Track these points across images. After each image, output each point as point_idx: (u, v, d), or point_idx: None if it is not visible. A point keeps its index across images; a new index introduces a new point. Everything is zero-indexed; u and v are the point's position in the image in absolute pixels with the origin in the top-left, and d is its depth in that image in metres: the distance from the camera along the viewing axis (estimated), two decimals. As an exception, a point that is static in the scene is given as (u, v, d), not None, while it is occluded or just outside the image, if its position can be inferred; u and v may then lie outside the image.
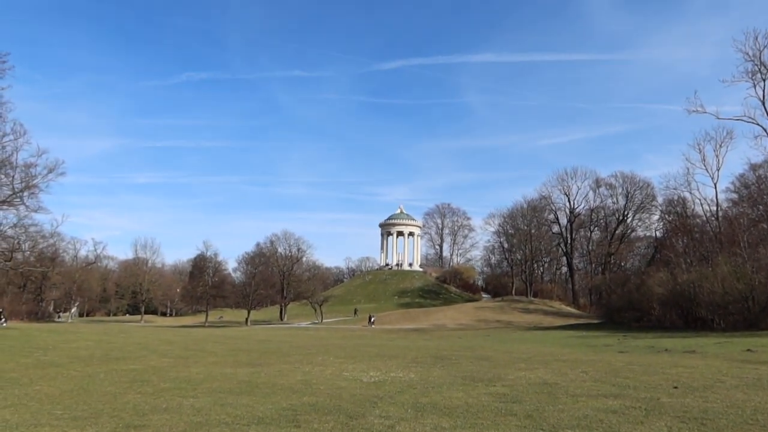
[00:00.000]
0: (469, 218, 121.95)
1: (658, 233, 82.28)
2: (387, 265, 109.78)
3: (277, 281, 79.22)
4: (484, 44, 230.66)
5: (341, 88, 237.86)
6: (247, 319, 71.79)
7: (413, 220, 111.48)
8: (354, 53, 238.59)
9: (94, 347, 22.00)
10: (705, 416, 7.86)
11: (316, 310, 72.65)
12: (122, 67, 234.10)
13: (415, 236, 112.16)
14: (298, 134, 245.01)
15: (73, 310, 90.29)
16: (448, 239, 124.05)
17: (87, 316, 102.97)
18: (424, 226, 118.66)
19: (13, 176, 28.57)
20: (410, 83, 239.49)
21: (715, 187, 61.57)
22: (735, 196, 62.98)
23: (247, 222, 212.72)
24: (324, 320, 69.87)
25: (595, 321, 55.32)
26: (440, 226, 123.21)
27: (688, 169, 62.45)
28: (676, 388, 10.67)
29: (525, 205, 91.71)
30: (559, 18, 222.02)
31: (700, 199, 63.08)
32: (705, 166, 61.22)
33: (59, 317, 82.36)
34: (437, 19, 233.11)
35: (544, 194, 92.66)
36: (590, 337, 34.19)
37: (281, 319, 77.24)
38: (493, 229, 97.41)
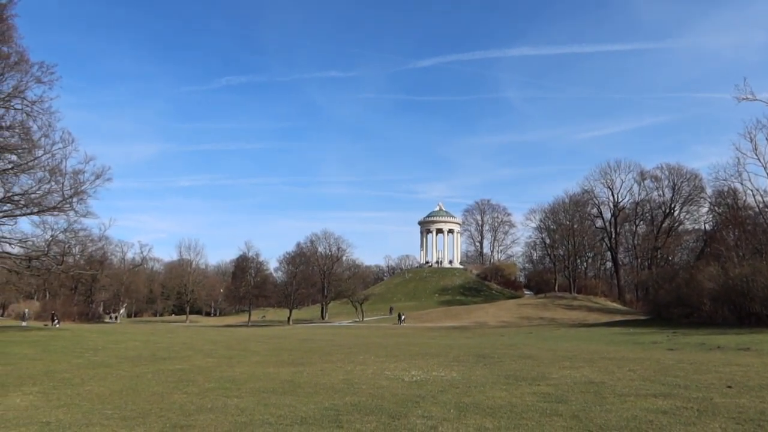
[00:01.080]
0: (509, 214, 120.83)
1: (707, 226, 79.50)
2: (427, 262, 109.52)
3: (317, 280, 79.95)
4: (522, 38, 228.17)
5: (378, 87, 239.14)
6: (289, 318, 72.72)
7: (453, 217, 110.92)
8: (389, 52, 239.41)
9: (141, 347, 22.62)
10: (762, 417, 7.51)
11: (356, 309, 73.06)
12: (164, 74, 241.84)
13: (455, 233, 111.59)
14: (336, 134, 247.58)
15: (121, 311, 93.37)
16: (488, 236, 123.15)
17: (134, 316, 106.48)
18: (463, 222, 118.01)
19: (62, 183, 29.63)
20: (447, 80, 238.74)
21: (769, 177, 59.15)
22: (790, 185, 60.44)
23: (287, 222, 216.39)
24: (365, 318, 70.21)
25: (642, 317, 53.81)
26: (480, 222, 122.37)
27: (738, 159, 59.92)
28: (730, 387, 10.24)
29: (567, 200, 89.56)
30: (596, 9, 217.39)
31: (752, 190, 60.54)
32: (757, 155, 58.68)
33: (110, 318, 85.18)
34: (473, 14, 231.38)
35: (586, 188, 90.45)
36: (637, 334, 33.28)
37: (322, 318, 78.02)
38: (534, 225, 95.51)
